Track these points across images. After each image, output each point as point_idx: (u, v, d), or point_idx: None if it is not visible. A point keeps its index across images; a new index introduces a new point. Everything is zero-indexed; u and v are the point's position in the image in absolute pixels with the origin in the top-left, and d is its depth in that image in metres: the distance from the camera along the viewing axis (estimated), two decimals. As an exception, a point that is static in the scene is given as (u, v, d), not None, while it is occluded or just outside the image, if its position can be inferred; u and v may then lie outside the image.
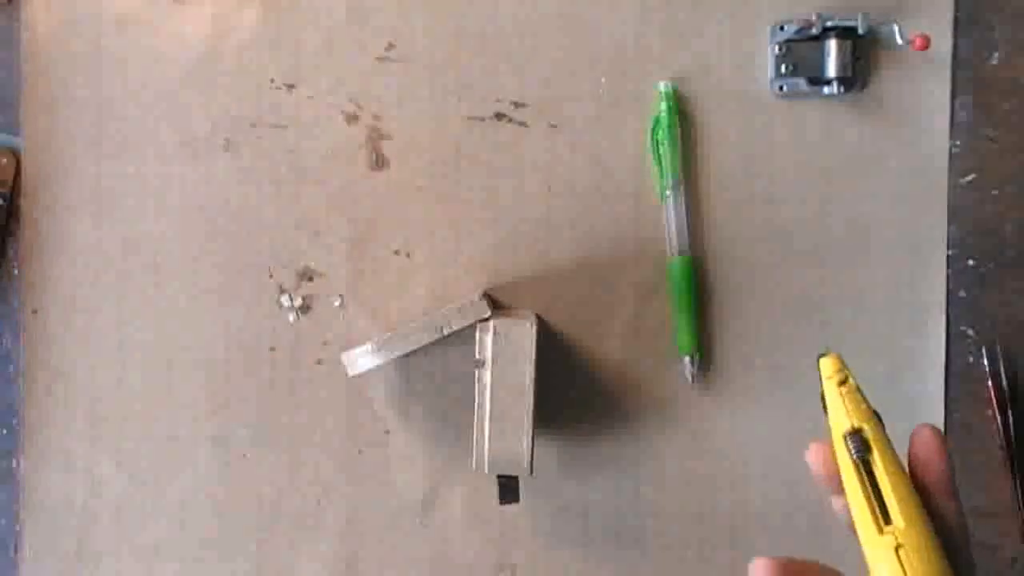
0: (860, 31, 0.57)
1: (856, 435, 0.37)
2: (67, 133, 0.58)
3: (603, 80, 0.59)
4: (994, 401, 0.60)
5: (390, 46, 0.59)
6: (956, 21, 0.60)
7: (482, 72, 0.59)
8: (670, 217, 0.59)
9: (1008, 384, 0.60)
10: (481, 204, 0.59)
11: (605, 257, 0.59)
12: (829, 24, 0.57)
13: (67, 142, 0.58)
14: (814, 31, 0.57)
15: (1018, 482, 0.59)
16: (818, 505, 0.60)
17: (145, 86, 0.58)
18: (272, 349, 0.59)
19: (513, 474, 0.50)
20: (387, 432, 0.58)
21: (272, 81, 0.58)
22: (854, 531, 0.37)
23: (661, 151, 0.58)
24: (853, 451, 0.37)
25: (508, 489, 0.50)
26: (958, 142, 0.60)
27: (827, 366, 0.40)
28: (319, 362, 0.58)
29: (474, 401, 0.49)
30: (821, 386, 0.40)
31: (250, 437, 0.58)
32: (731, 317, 0.60)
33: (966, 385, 0.60)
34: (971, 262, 0.60)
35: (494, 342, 0.49)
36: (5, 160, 0.57)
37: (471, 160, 0.59)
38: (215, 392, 0.57)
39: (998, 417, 0.60)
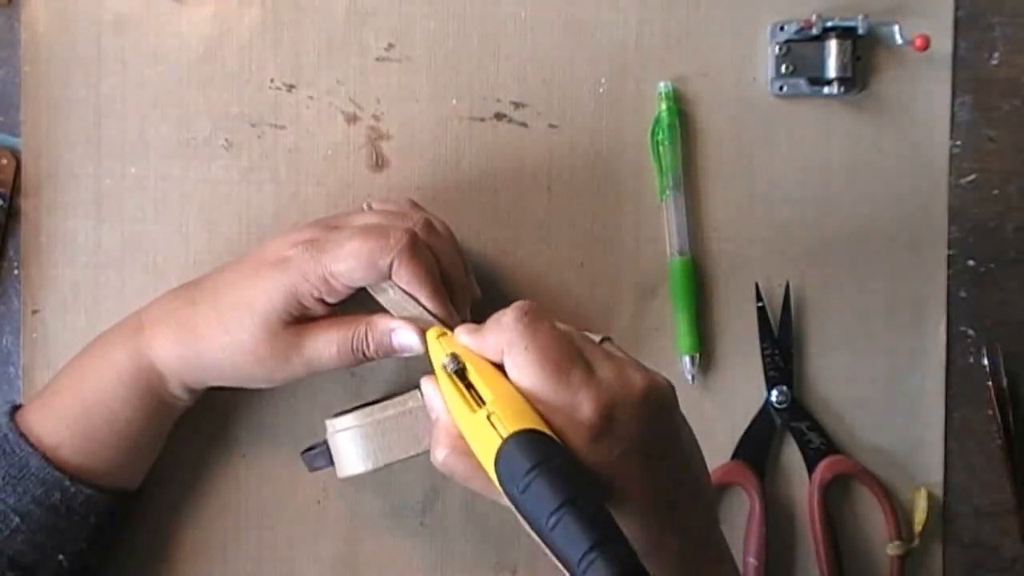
0: (860, 31, 0.57)
1: (451, 356, 0.43)
2: (67, 133, 0.58)
3: (603, 80, 0.59)
4: (994, 401, 0.60)
5: (390, 46, 0.59)
6: (956, 21, 0.60)
7: (482, 72, 0.59)
8: (670, 217, 0.59)
9: (1008, 384, 0.60)
10: (481, 204, 0.59)
11: (605, 257, 0.59)
12: (829, 24, 0.57)
13: (67, 142, 0.58)
14: (814, 31, 0.57)
15: (1018, 482, 0.60)
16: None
17: (145, 86, 0.58)
18: (272, 349, 0.58)
19: None
20: (387, 432, 0.58)
21: (272, 81, 0.58)
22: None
23: (661, 151, 0.58)
24: (450, 366, 0.43)
25: None
26: (958, 142, 0.60)
27: (431, 335, 0.47)
28: (319, 362, 0.58)
29: None
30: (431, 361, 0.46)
31: (250, 437, 0.58)
32: (731, 317, 0.60)
33: (966, 385, 0.60)
34: (971, 262, 0.60)
35: None
36: (5, 160, 0.57)
37: (471, 160, 0.59)
38: (215, 391, 0.57)
39: (998, 417, 0.60)
